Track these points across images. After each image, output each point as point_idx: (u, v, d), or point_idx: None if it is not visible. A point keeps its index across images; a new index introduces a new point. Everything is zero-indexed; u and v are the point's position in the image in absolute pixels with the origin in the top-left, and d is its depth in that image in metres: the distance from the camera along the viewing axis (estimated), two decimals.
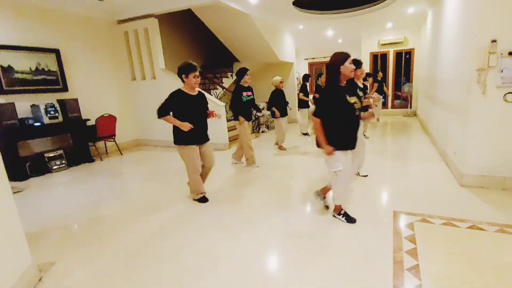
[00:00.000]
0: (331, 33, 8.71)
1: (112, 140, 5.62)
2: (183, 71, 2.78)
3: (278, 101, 5.23)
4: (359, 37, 9.23)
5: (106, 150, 5.89)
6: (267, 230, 2.53)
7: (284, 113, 5.28)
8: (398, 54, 8.99)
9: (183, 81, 2.82)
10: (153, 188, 3.83)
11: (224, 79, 7.76)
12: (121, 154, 5.77)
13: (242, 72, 4.09)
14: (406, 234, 2.31)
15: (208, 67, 8.31)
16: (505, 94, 2.87)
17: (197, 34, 8.45)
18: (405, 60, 9.05)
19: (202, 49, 8.76)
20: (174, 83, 5.67)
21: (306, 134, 6.78)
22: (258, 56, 7.70)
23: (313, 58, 11.75)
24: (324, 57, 11.39)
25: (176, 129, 2.85)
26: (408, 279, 1.79)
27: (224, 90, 7.21)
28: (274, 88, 5.23)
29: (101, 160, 5.42)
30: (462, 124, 3.25)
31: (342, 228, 2.46)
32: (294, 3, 5.68)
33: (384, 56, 9.21)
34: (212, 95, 6.68)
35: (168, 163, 5.02)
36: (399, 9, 6.31)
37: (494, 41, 2.77)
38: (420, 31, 8.23)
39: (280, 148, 5.37)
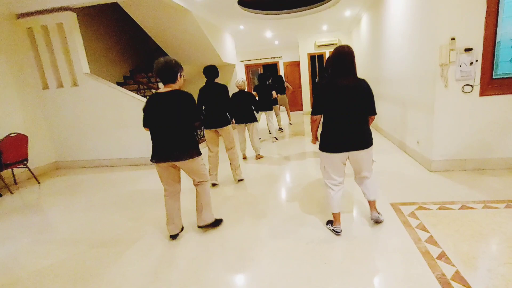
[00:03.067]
0: (270, 34, 8.90)
1: (24, 166, 4.48)
2: (181, 68, 2.32)
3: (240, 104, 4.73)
4: (296, 39, 9.70)
5: (15, 180, 4.65)
6: (288, 244, 2.36)
7: (243, 119, 4.75)
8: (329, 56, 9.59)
9: (175, 81, 2.29)
10: (103, 223, 3.04)
11: (160, 84, 7.15)
12: (39, 183, 4.62)
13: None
14: (414, 224, 2.41)
15: (140, 71, 7.62)
16: (463, 86, 3.26)
17: (126, 32, 7.70)
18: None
19: (132, 50, 8.01)
20: (104, 91, 5.12)
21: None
22: (199, 57, 7.34)
23: (249, 60, 11.84)
24: (261, 59, 11.64)
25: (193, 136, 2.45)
26: (444, 267, 1.84)
27: None
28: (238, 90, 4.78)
29: (11, 193, 4.21)
30: (426, 116, 3.58)
31: (354, 230, 2.45)
32: (238, 2, 5.58)
33: (321, 56, 9.92)
34: None
35: (112, 187, 4.14)
36: (337, 11, 6.75)
37: (453, 38, 3.13)
38: (351, 33, 9.17)
39: (245, 156, 5.08)
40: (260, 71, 11.98)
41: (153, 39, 6.72)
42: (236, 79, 4.65)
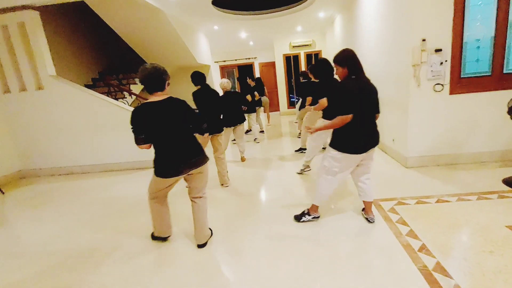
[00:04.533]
0: (244, 35, 8.88)
1: None
2: (168, 76, 2.19)
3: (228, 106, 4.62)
4: (271, 40, 9.79)
5: None
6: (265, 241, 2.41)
7: (232, 121, 4.67)
8: (308, 56, 9.98)
9: (163, 89, 2.16)
10: (76, 233, 2.90)
11: (132, 86, 6.95)
12: (3, 193, 4.34)
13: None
14: (395, 218, 2.52)
15: (110, 72, 7.34)
16: (434, 85, 3.45)
17: (95, 33, 7.41)
18: (316, 61, 9.92)
19: (101, 51, 7.70)
20: (72, 94, 4.94)
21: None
22: (173, 58, 7.21)
23: (224, 61, 11.73)
24: (236, 60, 11.59)
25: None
26: (425, 259, 1.94)
27: (137, 97, 6.26)
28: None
29: None
30: (401, 115, 3.75)
31: (335, 226, 2.52)
32: (213, 2, 5.54)
33: (296, 57, 10.08)
34: (125, 103, 5.70)
35: (85, 195, 3.97)
36: (311, 13, 6.86)
37: (424, 39, 3.32)
38: (325, 34, 9.39)
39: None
40: (235, 72, 12.01)
41: (124, 40, 6.54)
42: (221, 81, 4.50)
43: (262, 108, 7.36)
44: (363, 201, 2.50)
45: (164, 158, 2.11)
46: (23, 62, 4.73)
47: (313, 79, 4.39)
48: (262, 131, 7.43)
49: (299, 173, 3.95)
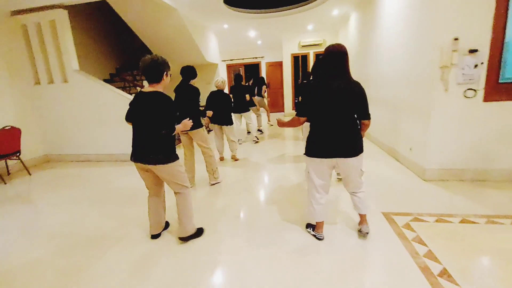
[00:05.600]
0: (253, 34, 9.00)
1: (17, 158, 4.71)
2: (168, 67, 2.24)
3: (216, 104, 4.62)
4: (279, 39, 9.76)
5: (8, 171, 4.87)
6: (272, 252, 2.24)
7: (218, 120, 4.65)
8: (318, 56, 9.66)
9: (160, 80, 2.20)
10: (90, 218, 3.08)
11: (144, 82, 7.35)
12: (30, 174, 4.83)
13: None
14: (410, 236, 2.29)
15: (126, 69, 7.78)
16: (465, 90, 3.07)
17: (113, 31, 7.89)
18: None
19: (118, 48, 8.18)
20: (92, 87, 5.33)
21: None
22: (184, 56, 7.54)
23: (231, 60, 11.66)
24: (243, 59, 11.49)
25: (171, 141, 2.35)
26: (447, 287, 1.72)
27: None
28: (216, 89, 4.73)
29: (5, 183, 4.42)
30: (422, 121, 3.44)
31: (344, 240, 2.33)
32: (224, 1, 5.85)
33: (304, 57, 9.90)
34: None
35: (97, 182, 4.30)
36: (325, 10, 6.81)
37: (456, 39, 2.95)
38: (338, 33, 9.09)
39: (221, 158, 5.05)
40: (242, 71, 11.92)
41: (139, 37, 6.92)
42: (216, 79, 4.70)
43: (256, 107, 7.12)
44: (358, 214, 2.36)
45: (132, 141, 2.25)
46: (52, 56, 5.19)
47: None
48: (259, 130, 7.26)
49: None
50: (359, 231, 2.32)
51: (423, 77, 3.41)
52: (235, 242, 2.39)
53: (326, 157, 2.06)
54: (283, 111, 10.56)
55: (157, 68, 2.12)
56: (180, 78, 3.43)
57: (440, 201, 2.85)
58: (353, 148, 2.03)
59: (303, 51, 9.65)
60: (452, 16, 2.96)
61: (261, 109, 7.80)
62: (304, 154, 2.19)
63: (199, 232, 2.51)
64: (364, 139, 2.14)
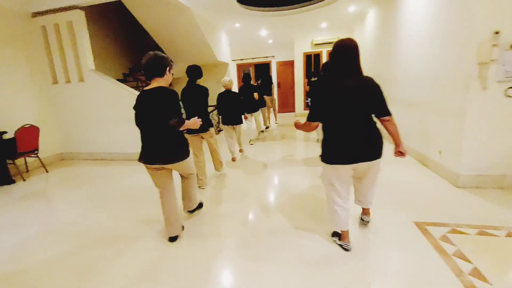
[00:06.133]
0: (265, 33, 8.92)
1: (35, 155, 4.86)
2: (170, 64, 2.22)
3: (226, 105, 4.60)
4: (291, 38, 9.64)
5: (27, 168, 5.05)
6: (291, 261, 2.07)
7: (230, 120, 4.64)
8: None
9: (162, 74, 2.17)
10: (104, 217, 3.09)
11: None
12: (47, 172, 4.99)
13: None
14: (450, 250, 2.06)
15: (139, 69, 7.86)
16: (507, 89, 2.80)
17: (127, 31, 8.05)
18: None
19: (132, 48, 8.32)
20: (107, 87, 5.40)
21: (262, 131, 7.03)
22: (195, 55, 7.56)
23: (241, 60, 11.57)
24: (253, 58, 11.37)
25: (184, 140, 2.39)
26: None
27: None
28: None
29: (24, 180, 4.57)
30: (454, 122, 3.20)
31: (373, 251, 2.13)
32: (238, 0, 5.90)
33: (317, 56, 9.74)
34: None
35: (111, 180, 4.37)
36: (340, 7, 6.64)
37: (497, 32, 2.67)
38: (353, 31, 8.86)
39: (234, 159, 4.95)
40: (252, 70, 11.76)
41: (152, 37, 7.01)
42: (223, 78, 4.63)
43: (265, 108, 7.12)
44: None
45: (141, 144, 2.21)
46: (69, 56, 5.34)
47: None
48: (262, 131, 7.13)
49: None
50: (361, 219, 2.34)
51: (456, 76, 3.16)
52: (247, 250, 2.24)
53: (348, 163, 1.89)
54: (294, 111, 10.44)
55: (160, 62, 2.11)
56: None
57: (479, 211, 2.59)
58: (376, 149, 1.89)
59: (316, 49, 9.46)
60: (491, 8, 2.69)
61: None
62: (321, 161, 2.00)
63: (200, 205, 2.92)
64: (386, 143, 2.00)
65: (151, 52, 2.14)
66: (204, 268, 2.07)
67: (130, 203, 3.38)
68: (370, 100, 1.83)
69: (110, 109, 5.33)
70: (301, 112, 10.07)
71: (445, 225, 2.38)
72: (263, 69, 11.34)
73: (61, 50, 5.31)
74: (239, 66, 11.63)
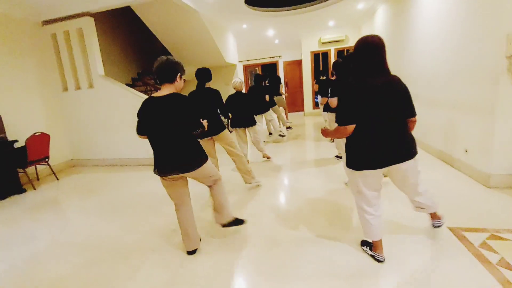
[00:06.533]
0: (272, 33, 8.83)
1: (46, 163, 4.79)
2: (182, 70, 2.10)
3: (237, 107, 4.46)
4: (298, 37, 9.50)
5: (37, 176, 4.99)
6: (320, 276, 1.89)
7: (241, 123, 4.48)
8: (339, 52, 9.50)
9: (173, 80, 2.04)
10: (116, 228, 2.95)
11: None
12: (57, 179, 4.93)
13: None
14: (494, 259, 1.87)
15: (148, 73, 7.88)
16: None
17: (135, 36, 8.04)
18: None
19: (140, 53, 8.32)
20: (116, 92, 5.32)
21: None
22: (203, 58, 7.55)
23: (248, 61, 11.45)
24: (260, 59, 11.27)
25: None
26: None
27: None
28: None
29: (34, 189, 4.49)
30: (482, 119, 3.05)
31: (409, 259, 1.96)
32: (245, 1, 5.80)
33: (325, 54, 9.60)
34: None
35: (123, 188, 4.24)
36: (349, 4, 6.54)
37: None
38: (361, 29, 8.69)
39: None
40: (259, 71, 11.67)
41: (160, 41, 6.96)
42: (233, 80, 4.50)
43: (276, 107, 6.99)
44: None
45: (155, 155, 2.09)
46: (79, 63, 5.29)
47: (333, 78, 4.10)
48: (270, 134, 6.98)
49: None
50: (433, 225, 2.15)
51: (481, 70, 3.02)
52: (271, 262, 2.07)
53: (379, 167, 1.75)
54: (303, 111, 10.30)
55: (171, 67, 2.00)
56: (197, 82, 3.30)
57: None
58: (409, 149, 1.76)
59: (324, 48, 9.29)
60: None
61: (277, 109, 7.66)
62: (348, 167, 1.85)
63: (240, 221, 2.43)
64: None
65: (163, 57, 2.04)
66: (225, 285, 1.90)
67: (143, 212, 3.25)
68: (401, 100, 1.72)
69: (120, 114, 5.26)
70: (310, 111, 9.97)
71: (483, 230, 2.17)
72: (270, 69, 11.23)
73: (71, 57, 5.28)
74: (245, 67, 11.51)
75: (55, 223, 3.25)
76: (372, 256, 1.97)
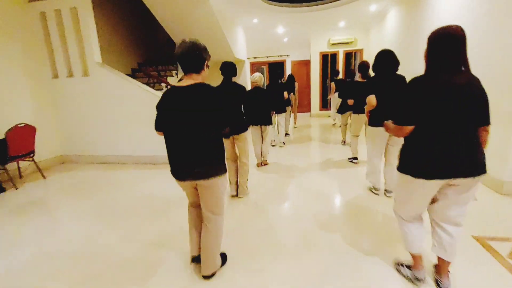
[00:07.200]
0: (281, 30, 8.44)
1: (30, 159, 4.16)
2: (209, 56, 1.74)
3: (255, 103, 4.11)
4: (307, 36, 9.16)
5: (20, 173, 4.34)
6: None
7: (258, 120, 4.17)
8: (348, 55, 9.27)
9: (199, 71, 1.70)
10: (115, 236, 2.52)
11: (168, 78, 6.75)
12: (44, 177, 4.27)
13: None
14: None
15: (150, 63, 7.26)
16: None
17: (136, 24, 7.38)
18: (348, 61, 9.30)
19: (140, 42, 7.63)
20: (115, 82, 4.77)
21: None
22: (212, 52, 6.72)
23: (255, 58, 11.09)
24: (267, 57, 10.88)
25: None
26: None
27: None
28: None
29: (16, 188, 3.87)
30: (499, 127, 2.89)
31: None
32: None
33: (334, 56, 9.28)
34: None
35: (120, 188, 3.74)
36: (361, 5, 6.29)
37: None
38: (369, 31, 8.51)
39: (259, 164, 4.46)
40: (266, 69, 11.34)
41: (166, 31, 6.37)
42: (252, 74, 4.03)
43: (290, 107, 6.74)
44: (438, 257, 1.72)
45: (169, 155, 1.76)
46: (73, 47, 4.67)
47: (360, 79, 3.91)
48: (287, 134, 6.68)
49: (373, 191, 3.19)
50: (436, 282, 1.71)
51: (503, 77, 2.93)
52: (295, 279, 1.84)
53: (441, 178, 1.49)
54: (309, 111, 10.05)
55: (199, 55, 1.65)
56: (211, 79, 2.85)
57: None
58: (477, 164, 1.49)
59: (333, 49, 9.09)
60: None
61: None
62: (401, 172, 1.61)
63: (224, 260, 2.04)
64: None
65: (187, 40, 1.66)
66: None
67: (145, 217, 2.84)
68: (478, 104, 1.47)
69: (118, 107, 4.68)
70: (316, 112, 9.81)
71: (508, 239, 2.11)
72: (277, 68, 10.75)
73: (62, 40, 4.63)
74: (252, 65, 11.12)
75: (41, 229, 2.74)
76: (411, 277, 1.75)
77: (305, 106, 10.38)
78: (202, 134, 1.67)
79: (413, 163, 1.57)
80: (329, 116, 8.99)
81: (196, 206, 1.94)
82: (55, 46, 4.65)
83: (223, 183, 1.82)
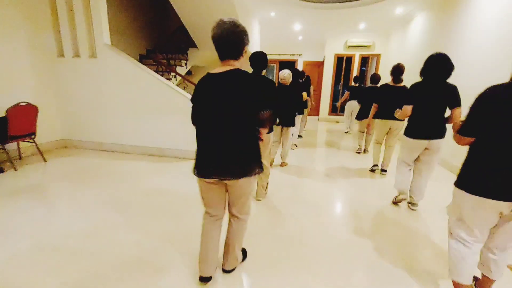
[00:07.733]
0: (298, 27, 8.07)
1: (31, 140, 3.91)
2: (248, 40, 1.51)
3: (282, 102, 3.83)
4: (323, 36, 8.82)
5: (20, 155, 4.10)
6: None
7: (283, 121, 3.89)
8: (364, 59, 8.95)
9: (238, 57, 1.49)
10: (120, 232, 2.32)
11: (177, 68, 6.51)
12: (45, 161, 4.03)
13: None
14: None
15: (158, 51, 6.94)
16: None
17: (148, 8, 7.07)
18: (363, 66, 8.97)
19: (150, 28, 7.34)
20: (125, 66, 4.45)
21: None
22: None
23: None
24: (279, 55, 10.49)
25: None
26: None
27: (184, 80, 5.41)
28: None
29: (15, 169, 3.64)
30: None
31: None
32: None
33: (349, 59, 8.93)
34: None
35: (125, 180, 3.47)
36: (387, 7, 5.93)
37: None
38: (389, 36, 8.11)
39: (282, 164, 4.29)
40: (277, 67, 10.97)
41: (178, 16, 6.03)
42: (281, 71, 3.71)
43: (307, 109, 6.47)
44: (482, 274, 1.62)
45: (199, 149, 1.56)
46: (81, 26, 4.34)
47: (391, 83, 3.59)
48: (300, 136, 6.44)
49: (394, 203, 3.03)
50: None
51: None
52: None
53: (505, 200, 1.34)
54: (318, 115, 9.72)
55: (240, 39, 1.44)
56: (215, 66, 2.56)
57: None
58: None
59: (349, 52, 8.70)
60: None
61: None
62: (458, 187, 1.49)
63: (244, 255, 2.00)
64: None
65: (225, 20, 1.43)
66: None
67: (152, 214, 2.62)
68: None
69: (126, 93, 4.37)
70: (325, 116, 9.46)
71: None
72: (289, 67, 10.29)
73: (70, 16, 4.30)
74: None
75: (39, 217, 2.51)
76: None
77: (314, 110, 9.97)
78: (238, 125, 1.46)
79: (471, 179, 1.45)
80: (338, 122, 8.70)
81: (214, 214, 1.71)
82: (62, 23, 4.32)
83: (253, 184, 1.67)
